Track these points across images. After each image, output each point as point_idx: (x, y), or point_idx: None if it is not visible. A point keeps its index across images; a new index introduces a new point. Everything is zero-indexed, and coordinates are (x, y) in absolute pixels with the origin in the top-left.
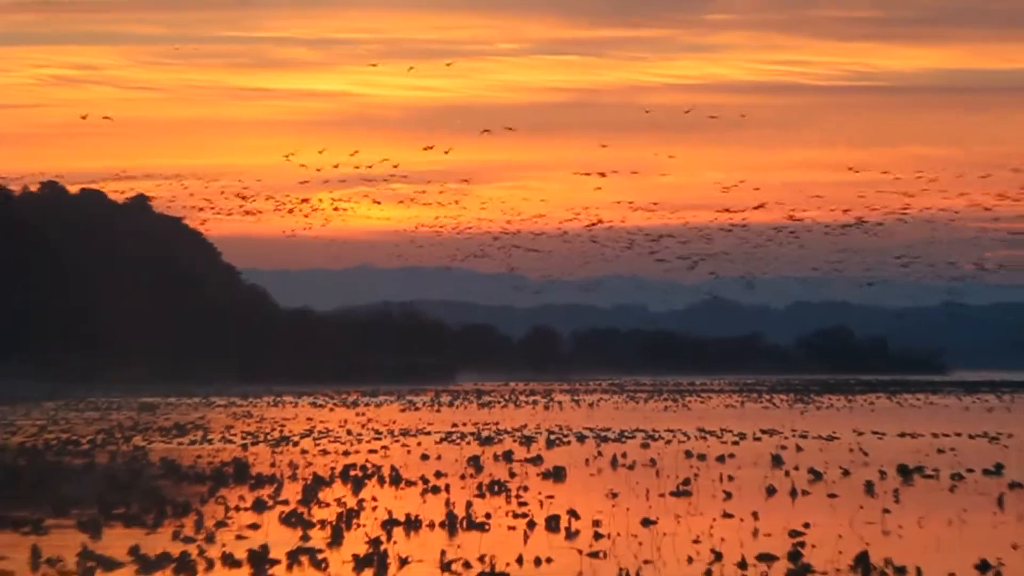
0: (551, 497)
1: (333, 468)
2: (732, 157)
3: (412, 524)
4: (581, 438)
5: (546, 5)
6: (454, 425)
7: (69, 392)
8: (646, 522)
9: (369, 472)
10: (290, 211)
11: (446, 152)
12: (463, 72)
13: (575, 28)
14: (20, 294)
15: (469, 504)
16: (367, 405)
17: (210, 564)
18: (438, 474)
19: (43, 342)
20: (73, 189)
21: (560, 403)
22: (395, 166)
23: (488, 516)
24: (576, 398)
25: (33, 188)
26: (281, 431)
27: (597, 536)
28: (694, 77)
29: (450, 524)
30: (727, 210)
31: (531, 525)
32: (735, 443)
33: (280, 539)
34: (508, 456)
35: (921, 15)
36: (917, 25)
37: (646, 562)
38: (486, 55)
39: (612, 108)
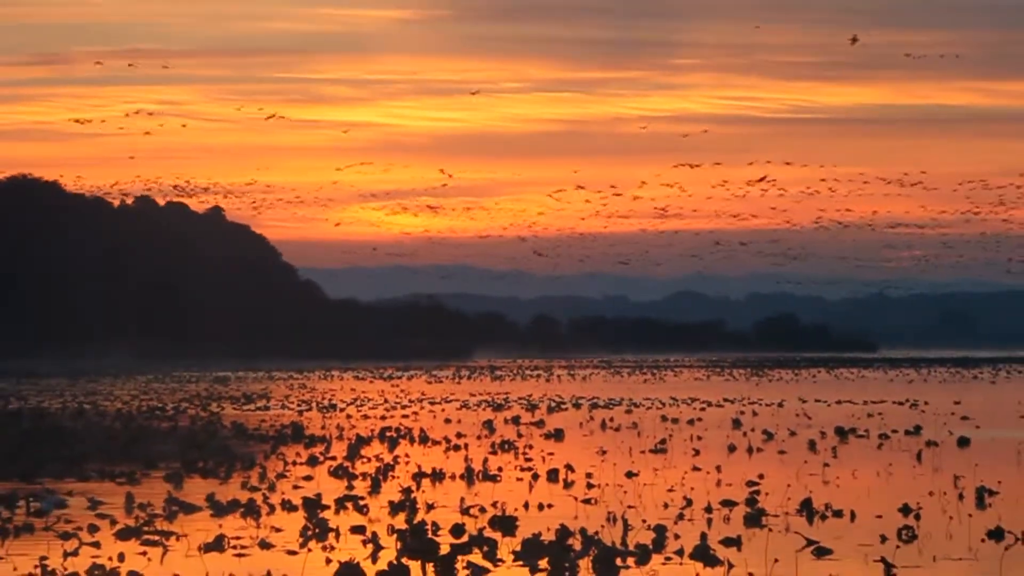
0: (552, 454)
1: (372, 430)
2: (696, 176)
3: (437, 476)
4: (576, 405)
5: (544, 52)
6: (471, 395)
7: (157, 367)
8: (629, 474)
9: (402, 433)
10: (337, 223)
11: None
12: (477, 106)
13: (567, 71)
14: (119, 288)
15: (484, 460)
16: (400, 379)
17: (272, 509)
18: (458, 435)
19: (137, 327)
20: (161, 202)
21: (559, 377)
22: (443, 184)
23: (500, 469)
24: (572, 373)
25: (129, 201)
26: (330, 400)
27: (590, 486)
28: (665, 110)
29: (468, 476)
30: (691, 218)
31: (535, 477)
32: (702, 409)
33: (329, 488)
34: (516, 420)
35: (852, 60)
36: (849, 68)
37: (630, 507)
38: (495, 92)
39: (598, 136)
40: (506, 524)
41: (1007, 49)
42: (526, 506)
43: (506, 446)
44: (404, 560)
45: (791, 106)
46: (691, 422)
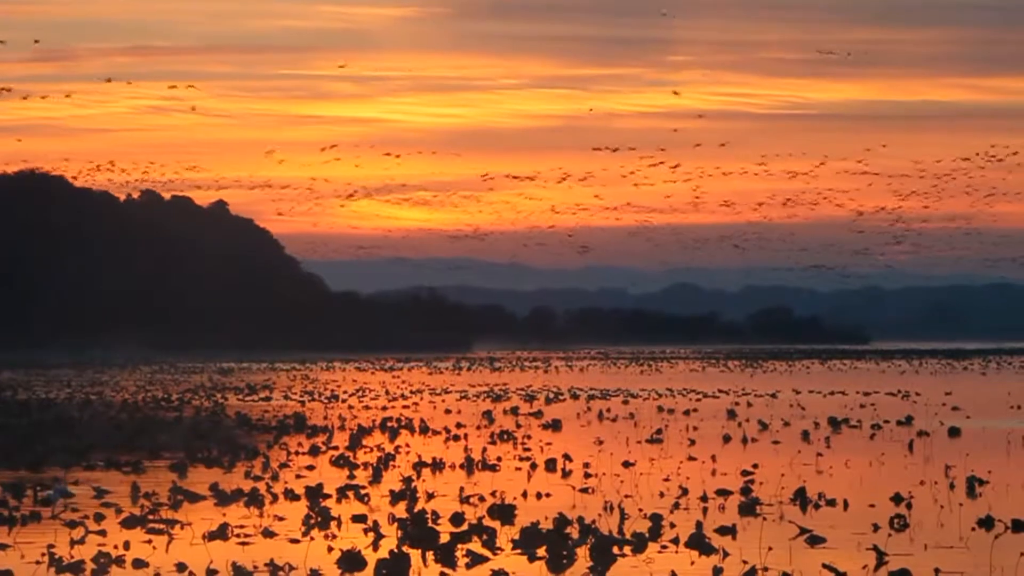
0: (549, 444)
1: (374, 420)
2: (691, 170)
3: (437, 465)
4: (574, 396)
5: (541, 49)
6: (471, 386)
7: (162, 358)
8: (626, 464)
9: (403, 423)
10: (339, 217)
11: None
12: (475, 103)
13: (564, 67)
14: (125, 280)
15: (483, 449)
16: (401, 370)
17: (275, 498)
18: (458, 425)
19: (143, 318)
20: (166, 196)
21: (557, 368)
22: (442, 178)
23: (499, 459)
24: (570, 364)
25: (135, 195)
26: (332, 390)
27: (587, 475)
28: (659, 106)
29: (468, 465)
30: (687, 212)
31: (533, 466)
32: (698, 400)
33: (331, 477)
34: (515, 411)
35: (843, 57)
36: (840, 65)
37: (627, 496)
38: (492, 89)
39: (594, 131)
40: (505, 513)
41: (998, 47)
42: (524, 495)
43: (505, 436)
44: (405, 548)
45: (784, 102)
46: (687, 413)
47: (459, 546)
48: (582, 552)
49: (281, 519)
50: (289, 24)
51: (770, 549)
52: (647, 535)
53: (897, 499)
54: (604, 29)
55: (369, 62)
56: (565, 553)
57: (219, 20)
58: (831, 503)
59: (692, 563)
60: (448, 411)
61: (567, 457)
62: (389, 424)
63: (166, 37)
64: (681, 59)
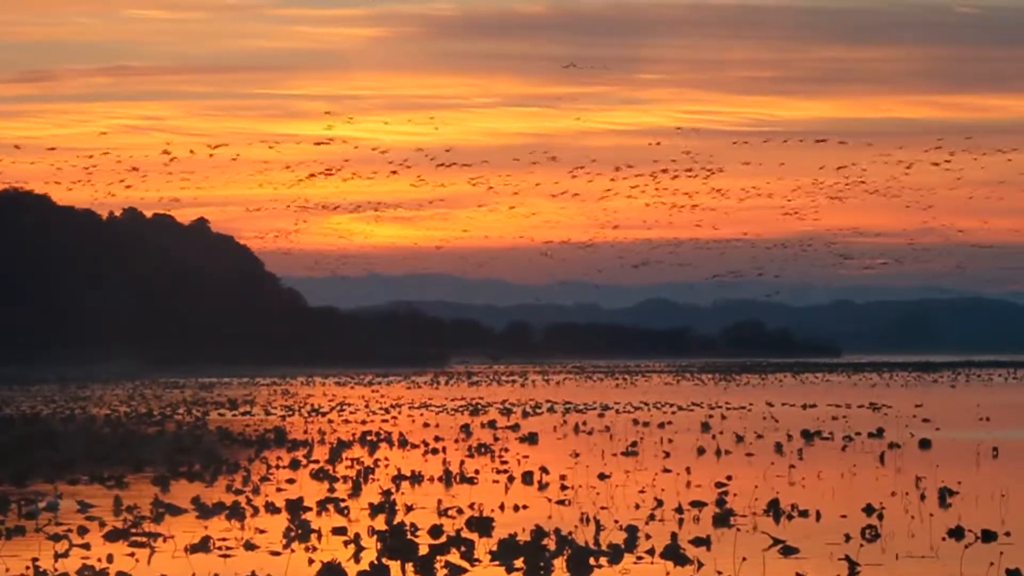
0: (526, 457)
1: (353, 434)
2: (659, 187)
3: (416, 478)
4: (551, 409)
5: (512, 68)
6: (449, 399)
7: (145, 374)
8: (602, 476)
9: (382, 437)
10: (317, 235)
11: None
12: (448, 121)
13: (535, 86)
14: (108, 297)
15: (461, 463)
16: (379, 384)
17: (256, 511)
18: (436, 439)
19: (125, 334)
20: (148, 214)
21: (533, 382)
22: (417, 196)
23: (477, 472)
24: (546, 378)
25: (116, 213)
26: (312, 405)
27: (563, 488)
28: (629, 124)
29: (446, 478)
30: (660, 228)
31: (511, 479)
32: (672, 413)
33: (311, 491)
34: (492, 424)
35: (808, 75)
36: (805, 83)
37: (602, 508)
38: (465, 107)
39: (565, 149)
40: (483, 525)
41: (964, 65)
42: (502, 507)
43: (482, 449)
44: (384, 560)
45: (750, 119)
46: (661, 425)
47: (438, 558)
48: (559, 563)
49: (262, 532)
50: (264, 44)
51: (744, 560)
52: (623, 546)
53: (869, 510)
54: (575, 48)
55: (343, 82)
56: (542, 564)
57: (195, 41)
58: (804, 514)
59: (667, 574)
60: (426, 425)
61: (544, 470)
62: (368, 438)
63: (143, 58)
64: (650, 78)
